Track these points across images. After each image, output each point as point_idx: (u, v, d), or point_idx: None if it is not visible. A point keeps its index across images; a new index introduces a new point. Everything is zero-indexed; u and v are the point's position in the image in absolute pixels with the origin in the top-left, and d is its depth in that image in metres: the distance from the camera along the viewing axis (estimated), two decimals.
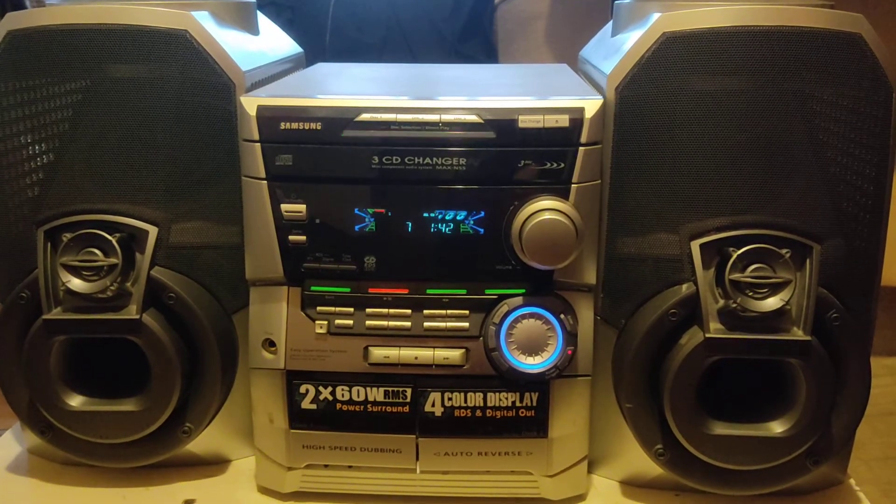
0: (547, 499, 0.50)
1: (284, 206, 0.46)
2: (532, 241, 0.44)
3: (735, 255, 0.45)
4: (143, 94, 0.48)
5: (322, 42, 1.30)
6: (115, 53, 0.48)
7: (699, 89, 0.46)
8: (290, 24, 1.29)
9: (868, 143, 0.47)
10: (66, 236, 0.48)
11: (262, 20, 0.61)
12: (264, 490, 0.52)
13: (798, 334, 0.45)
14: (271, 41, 0.61)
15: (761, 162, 0.46)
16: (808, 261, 0.46)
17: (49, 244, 0.49)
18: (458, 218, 0.46)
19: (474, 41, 1.34)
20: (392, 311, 0.47)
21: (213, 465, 0.54)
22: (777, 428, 0.47)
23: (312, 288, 0.47)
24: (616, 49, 0.50)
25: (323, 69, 0.65)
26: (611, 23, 0.57)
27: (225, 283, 0.51)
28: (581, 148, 0.46)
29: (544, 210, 0.44)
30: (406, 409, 0.48)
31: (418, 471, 0.49)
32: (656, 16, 0.47)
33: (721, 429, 0.48)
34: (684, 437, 0.47)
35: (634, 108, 0.47)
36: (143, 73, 0.48)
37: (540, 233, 0.44)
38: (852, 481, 0.53)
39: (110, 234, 0.48)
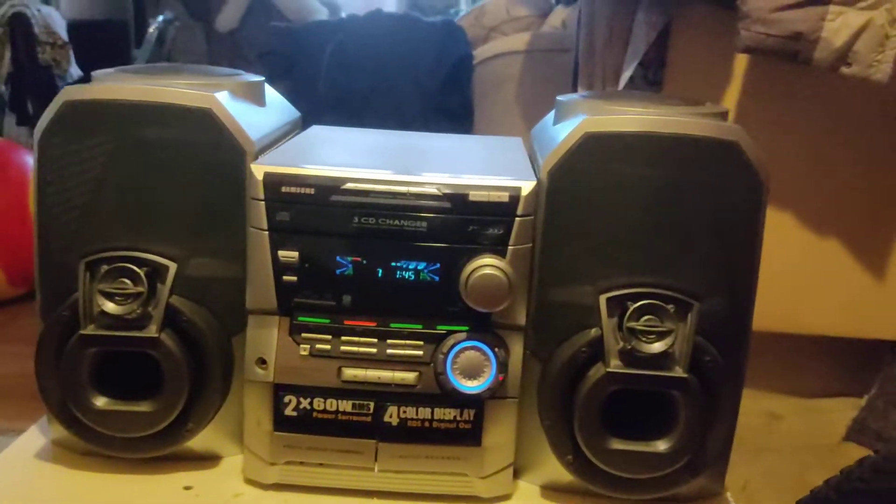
0: (479, 497, 0.62)
1: (281, 253, 0.59)
2: (474, 289, 0.57)
3: (631, 308, 0.58)
4: (171, 156, 0.60)
5: (316, 88, 1.43)
6: (151, 123, 0.60)
7: (612, 177, 0.59)
8: (287, 71, 1.42)
9: (743, 225, 0.60)
10: (104, 268, 0.60)
11: (268, 91, 0.73)
12: (249, 481, 0.63)
13: (678, 372, 0.58)
14: (275, 110, 0.73)
15: (658, 237, 0.59)
16: (689, 315, 0.58)
17: (88, 273, 0.60)
18: (419, 267, 0.59)
19: (453, 96, 1.47)
20: (362, 339, 0.59)
21: (207, 460, 0.66)
22: (661, 446, 0.60)
23: (299, 318, 0.59)
24: (551, 139, 0.63)
25: (316, 134, 0.77)
26: (553, 112, 0.70)
27: (227, 311, 0.63)
28: (517, 218, 0.58)
29: (485, 266, 0.57)
30: (369, 418, 0.60)
31: (376, 470, 0.61)
32: (583, 117, 0.60)
33: (618, 444, 0.60)
34: (588, 449, 0.59)
35: (561, 189, 0.59)
36: (173, 140, 0.60)
37: (480, 283, 0.57)
38: (728, 494, 0.65)
39: (139, 268, 0.60)
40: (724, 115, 0.64)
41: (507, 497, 0.63)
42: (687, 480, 0.61)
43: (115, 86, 0.61)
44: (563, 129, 0.62)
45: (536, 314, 0.61)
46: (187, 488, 0.62)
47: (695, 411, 0.59)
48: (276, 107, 0.74)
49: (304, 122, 0.81)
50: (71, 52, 1.99)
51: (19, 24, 1.90)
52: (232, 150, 0.61)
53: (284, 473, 0.62)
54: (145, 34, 2.31)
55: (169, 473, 0.64)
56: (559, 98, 0.68)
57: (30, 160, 1.66)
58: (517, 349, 0.61)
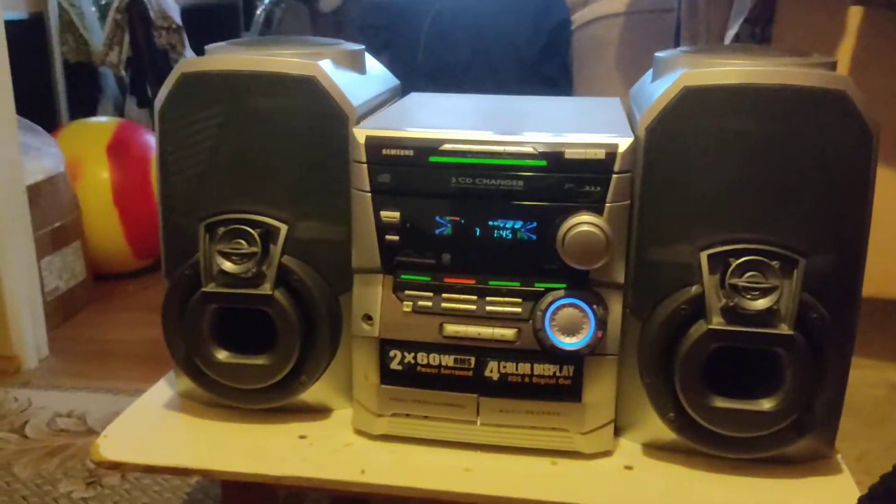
0: (580, 452, 0.63)
1: (383, 213, 0.61)
2: (571, 246, 0.57)
3: (734, 264, 0.57)
4: (279, 122, 0.63)
5: (415, 59, 1.45)
6: (261, 91, 0.63)
7: (711, 132, 0.58)
8: (386, 44, 1.45)
9: (852, 179, 0.58)
10: (221, 230, 0.64)
11: (368, 60, 0.76)
12: (359, 432, 0.66)
13: (784, 329, 0.57)
14: (375, 77, 0.75)
15: (761, 192, 0.58)
16: (794, 271, 0.57)
17: (207, 235, 0.65)
18: (515, 226, 0.60)
19: (552, 63, 1.46)
20: (462, 296, 0.61)
21: (320, 412, 0.69)
22: (766, 404, 0.59)
23: (402, 276, 0.62)
24: (649, 95, 0.62)
25: (415, 100, 0.79)
26: (651, 70, 0.69)
27: (334, 271, 0.66)
28: (614, 175, 0.58)
29: (582, 223, 0.57)
30: (470, 373, 0.62)
31: (478, 423, 0.63)
32: (681, 71, 0.59)
33: (721, 402, 0.59)
34: (690, 407, 0.59)
35: (659, 145, 0.59)
36: (280, 107, 0.63)
37: (578, 240, 0.57)
38: (839, 456, 0.64)
39: (253, 229, 0.64)
40: (832, 66, 0.62)
41: (608, 453, 0.64)
42: (794, 440, 0.60)
43: (225, 57, 0.64)
44: (661, 85, 0.61)
45: (635, 272, 0.61)
46: (302, 437, 0.66)
47: (801, 370, 0.58)
48: (377, 75, 0.76)
49: (404, 91, 0.83)
50: (185, 36, 2.09)
51: (136, 10, 2.00)
52: (335, 115, 0.63)
53: (391, 425, 0.64)
54: (253, 16, 2.39)
55: (285, 424, 0.68)
56: (657, 54, 0.68)
57: (150, 140, 1.76)
58: (616, 307, 0.61)
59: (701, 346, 0.58)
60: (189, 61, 0.65)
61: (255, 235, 0.63)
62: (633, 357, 0.63)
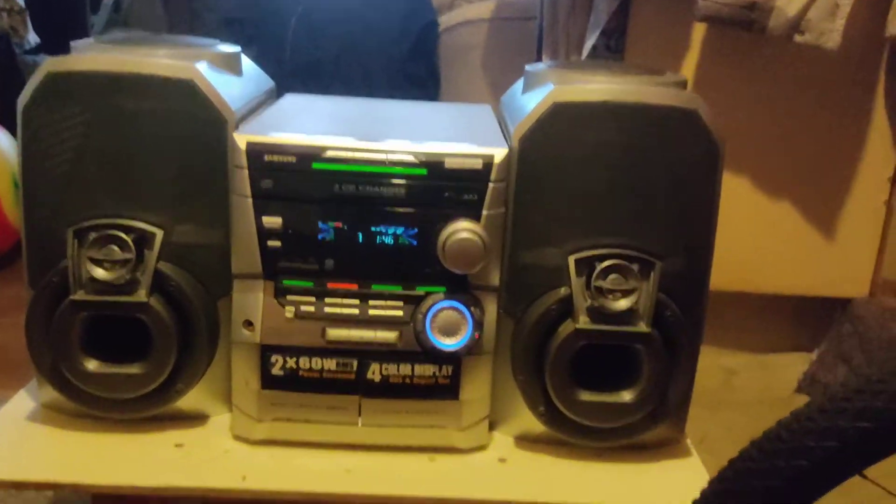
0: (457, 447, 0.66)
1: (265, 219, 0.61)
2: (451, 252, 0.60)
3: (598, 268, 0.62)
4: (154, 126, 0.62)
5: (282, 54, 1.43)
6: (135, 94, 0.61)
7: (578, 144, 0.62)
8: (251, 39, 1.42)
9: (701, 189, 0.64)
10: (92, 235, 0.62)
11: (245, 62, 0.75)
12: (238, 438, 0.66)
13: (642, 327, 0.62)
14: (251, 79, 0.75)
15: (622, 201, 0.63)
16: (652, 273, 0.62)
17: (76, 241, 0.62)
18: (397, 232, 0.62)
19: (420, 63, 1.49)
20: (344, 300, 0.62)
21: (196, 419, 0.68)
22: (626, 396, 0.64)
23: (284, 282, 0.62)
24: (521, 107, 0.66)
25: (292, 102, 0.79)
26: (522, 80, 0.73)
27: (213, 276, 0.65)
28: (490, 184, 0.61)
29: (461, 230, 0.60)
30: (352, 376, 0.63)
31: (360, 424, 0.64)
32: (550, 86, 0.63)
33: (586, 396, 0.64)
34: (559, 401, 0.64)
35: (531, 155, 0.62)
36: (156, 110, 0.62)
37: (457, 247, 0.60)
38: (688, 441, 0.70)
39: (126, 234, 0.62)
40: (683, 84, 0.68)
41: (483, 447, 0.67)
42: (649, 428, 0.65)
43: (97, 56, 0.62)
44: (532, 98, 0.65)
45: (509, 275, 0.64)
46: (178, 446, 0.65)
47: (657, 364, 0.63)
48: (253, 76, 0.76)
49: (278, 92, 0.83)
50: (28, 19, 1.96)
51: None
52: (214, 119, 0.63)
53: (271, 430, 0.65)
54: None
55: (159, 432, 0.66)
56: (528, 68, 0.71)
57: None
58: (492, 308, 0.64)
59: (569, 344, 0.62)
60: (56, 61, 0.62)
61: (129, 241, 0.62)
62: (506, 355, 0.66)
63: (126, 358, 0.64)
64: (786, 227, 1.36)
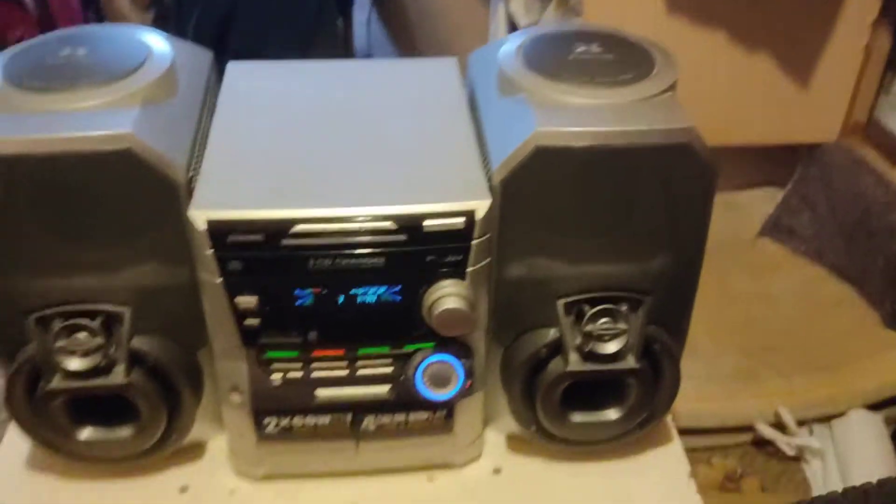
0: (452, 463, 0.69)
1: (239, 300, 0.58)
2: (438, 321, 0.58)
3: (588, 314, 0.61)
4: (98, 202, 0.56)
5: None
6: (69, 173, 0.55)
7: (564, 187, 0.58)
8: None
9: (695, 217, 0.61)
10: (57, 324, 0.58)
11: (173, 53, 0.64)
12: (241, 473, 0.68)
13: (631, 363, 0.62)
14: (187, 86, 0.65)
15: (611, 241, 0.60)
16: (640, 309, 0.61)
17: (39, 328, 0.59)
18: (379, 297, 0.59)
19: None
20: (333, 363, 0.61)
21: (194, 449, 0.69)
22: (614, 415, 0.66)
23: (268, 354, 0.60)
24: (498, 115, 0.61)
25: (234, 104, 0.68)
26: (502, 42, 0.66)
27: (187, 324, 0.61)
28: (473, 242, 0.58)
29: (446, 297, 0.57)
30: (347, 426, 0.64)
31: (357, 458, 0.66)
32: (529, 112, 0.57)
33: (576, 418, 0.66)
34: (550, 426, 0.65)
35: (514, 199, 0.58)
36: (98, 186, 0.55)
37: (444, 316, 0.58)
38: (670, 418, 0.74)
39: (93, 320, 0.58)
40: (673, 85, 0.62)
41: (477, 458, 0.70)
42: (638, 433, 0.68)
43: (13, 139, 0.54)
44: (510, 125, 0.59)
45: (497, 310, 0.63)
46: (183, 490, 0.67)
47: (644, 388, 0.64)
48: (187, 82, 0.66)
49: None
50: None
51: None
52: (161, 185, 0.56)
53: (273, 467, 0.66)
54: None
55: (161, 473, 0.68)
56: (503, 67, 0.64)
57: None
58: (481, 346, 0.63)
59: (559, 381, 0.63)
60: None
61: (97, 327, 0.58)
62: (496, 366, 0.66)
63: (116, 412, 0.63)
64: (761, 76, 1.32)
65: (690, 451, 1.11)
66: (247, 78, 0.72)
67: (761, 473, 1.11)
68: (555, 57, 0.64)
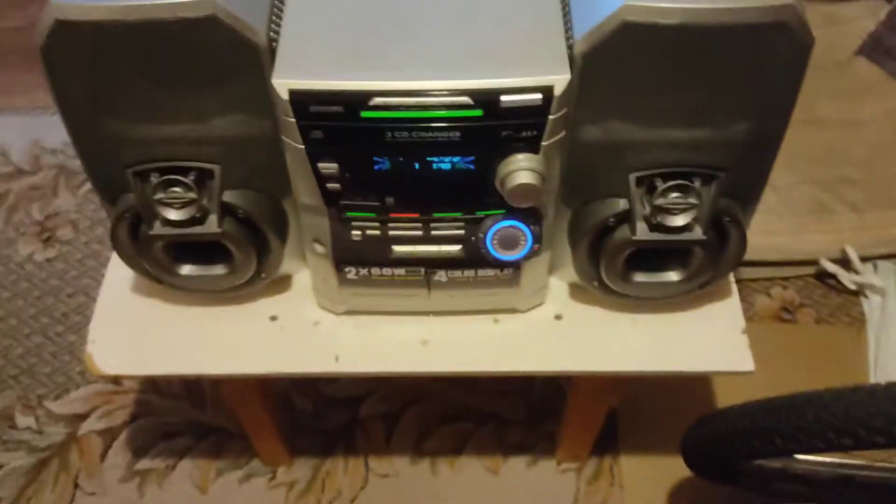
0: (517, 309, 0.74)
1: (321, 165, 0.60)
2: (511, 194, 0.59)
3: (659, 189, 0.61)
4: (185, 65, 0.57)
5: None
6: (156, 40, 0.56)
7: (649, 65, 0.56)
8: None
9: (784, 95, 0.58)
10: (153, 178, 0.62)
11: None
12: (323, 307, 0.74)
13: (698, 234, 0.64)
14: None
15: (694, 118, 0.59)
16: (713, 184, 0.62)
17: (137, 180, 0.63)
18: (455, 167, 0.60)
19: None
20: (408, 224, 0.64)
21: (282, 281, 0.76)
22: (678, 276, 0.69)
23: (348, 213, 0.64)
24: (587, 4, 0.58)
25: None
26: None
27: (274, 179, 0.65)
28: (549, 118, 0.58)
29: (520, 171, 0.59)
30: (421, 277, 0.68)
31: (430, 299, 0.71)
32: (618, 5, 0.54)
33: (638, 277, 0.69)
34: (612, 284, 0.69)
35: (595, 73, 0.57)
36: (184, 49, 0.56)
37: (516, 189, 0.59)
38: (731, 277, 0.76)
39: (186, 176, 0.62)
40: None
41: (540, 305, 0.74)
42: (697, 292, 0.71)
43: (115, 6, 0.55)
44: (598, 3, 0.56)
45: (568, 175, 0.64)
46: (273, 319, 0.74)
47: (709, 255, 0.66)
48: None
49: None
50: None
51: None
52: (244, 47, 0.57)
53: (353, 304, 0.72)
54: None
55: (253, 302, 0.75)
56: None
57: None
58: (549, 211, 0.65)
59: (624, 247, 0.65)
60: (61, 6, 0.55)
61: (190, 182, 0.62)
62: (564, 222, 0.69)
63: (212, 249, 0.69)
64: None
65: (751, 282, 1.15)
66: None
67: (819, 306, 1.14)
68: None
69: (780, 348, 1.08)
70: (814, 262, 1.14)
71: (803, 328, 1.11)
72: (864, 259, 1.13)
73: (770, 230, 1.12)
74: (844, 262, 1.14)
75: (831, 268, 1.13)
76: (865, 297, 1.12)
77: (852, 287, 1.13)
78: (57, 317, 1.14)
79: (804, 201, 1.17)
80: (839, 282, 1.14)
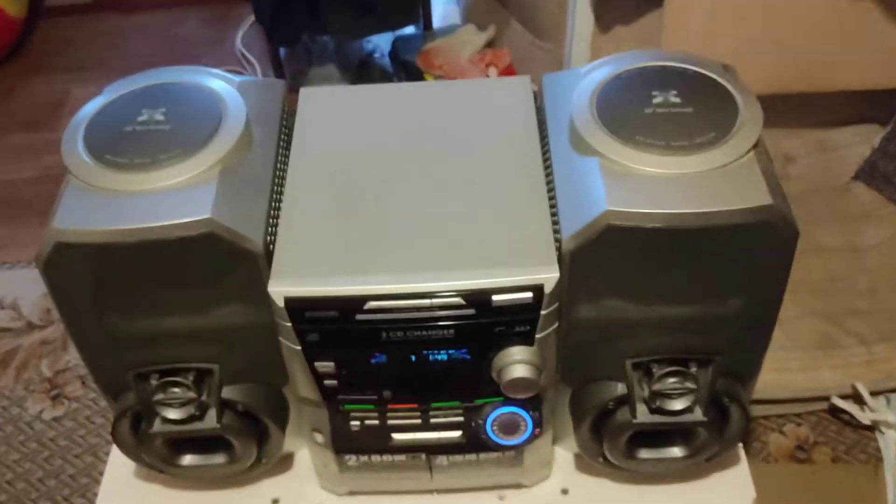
0: (522, 484, 0.73)
1: (318, 364, 0.61)
2: (507, 387, 0.60)
3: (657, 375, 0.61)
4: (181, 277, 0.59)
5: None
6: (153, 255, 0.57)
7: (635, 263, 0.57)
8: None
9: (770, 282, 0.59)
10: (153, 380, 0.63)
11: (245, 92, 0.66)
12: (326, 488, 0.74)
13: (698, 416, 0.63)
14: (260, 133, 0.66)
15: (683, 309, 0.60)
16: (710, 366, 0.62)
17: (138, 382, 0.64)
18: (451, 362, 0.61)
19: None
20: (406, 414, 0.65)
21: (283, 461, 0.75)
22: (681, 452, 0.68)
23: (346, 406, 0.64)
24: (570, 172, 0.61)
25: (308, 157, 0.69)
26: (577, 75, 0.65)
27: (272, 369, 0.66)
28: (542, 313, 0.59)
29: (515, 364, 0.59)
30: (422, 462, 0.68)
31: (432, 481, 0.71)
32: (601, 210, 0.56)
33: (643, 454, 0.68)
34: (617, 462, 0.68)
35: (582, 271, 0.58)
36: (185, 261, 0.58)
37: (513, 383, 0.60)
38: (741, 448, 0.75)
39: (184, 378, 0.63)
40: (756, 143, 0.59)
41: (546, 478, 0.73)
42: (704, 465, 0.70)
43: (100, 229, 0.57)
44: (581, 183, 0.58)
45: (566, 357, 0.64)
46: (275, 502, 0.73)
47: (711, 433, 0.66)
48: (261, 132, 0.66)
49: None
50: None
51: None
52: (241, 255, 0.59)
53: (355, 486, 0.72)
54: None
55: (255, 484, 0.74)
56: (574, 119, 0.62)
57: None
58: (549, 394, 0.65)
59: (625, 429, 0.65)
60: (61, 231, 0.57)
61: (190, 382, 0.63)
62: (565, 399, 0.69)
63: (212, 440, 0.69)
64: (861, 17, 1.21)
65: (763, 419, 1.13)
66: (318, 111, 0.72)
67: (834, 443, 1.12)
68: (628, 112, 0.61)
69: (799, 491, 1.05)
70: (825, 398, 1.13)
71: (820, 468, 1.08)
72: (875, 393, 1.11)
73: (779, 367, 1.11)
74: (857, 397, 1.12)
75: (843, 405, 1.11)
76: (881, 432, 1.10)
77: (866, 422, 1.11)
78: (64, 479, 1.14)
79: (811, 335, 1.17)
80: (853, 416, 1.12)
